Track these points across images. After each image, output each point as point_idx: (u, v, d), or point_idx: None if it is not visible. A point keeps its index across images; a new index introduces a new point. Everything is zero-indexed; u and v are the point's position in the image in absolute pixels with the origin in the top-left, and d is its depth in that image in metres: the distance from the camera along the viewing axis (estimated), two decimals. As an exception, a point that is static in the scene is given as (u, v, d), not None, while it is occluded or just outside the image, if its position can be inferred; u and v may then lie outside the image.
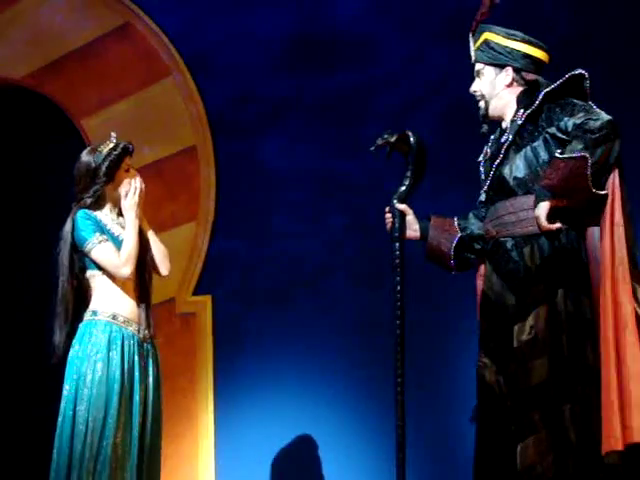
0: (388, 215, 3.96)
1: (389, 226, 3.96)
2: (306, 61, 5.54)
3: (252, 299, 5.54)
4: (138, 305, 4.07)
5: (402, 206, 3.94)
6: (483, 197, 3.92)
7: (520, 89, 3.79)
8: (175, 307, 5.58)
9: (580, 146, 3.48)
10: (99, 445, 3.87)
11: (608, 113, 3.61)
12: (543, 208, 3.56)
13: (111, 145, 4.10)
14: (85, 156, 4.11)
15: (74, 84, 6.06)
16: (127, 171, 4.13)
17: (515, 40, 3.76)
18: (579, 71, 3.65)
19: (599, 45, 4.94)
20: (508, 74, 3.76)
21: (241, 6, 5.72)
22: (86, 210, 4.05)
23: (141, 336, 4.04)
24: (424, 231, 4.00)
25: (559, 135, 3.63)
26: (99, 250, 3.98)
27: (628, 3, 4.96)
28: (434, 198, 5.05)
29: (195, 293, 5.62)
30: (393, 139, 3.96)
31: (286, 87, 5.58)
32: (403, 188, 3.99)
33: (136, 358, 4.01)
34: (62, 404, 3.96)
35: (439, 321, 4.99)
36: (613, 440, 3.38)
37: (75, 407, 3.92)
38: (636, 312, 3.46)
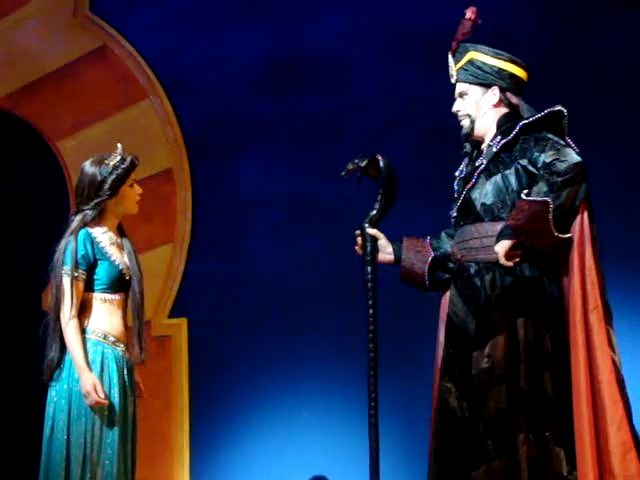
0: (359, 239, 3.93)
1: (358, 249, 3.94)
2: (283, 84, 5.57)
3: (228, 321, 5.54)
4: (126, 327, 4.04)
5: (373, 231, 3.90)
6: (454, 214, 3.93)
7: (504, 110, 3.78)
8: (150, 330, 5.55)
9: (545, 188, 3.48)
10: (97, 464, 3.83)
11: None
12: (503, 246, 3.56)
13: (118, 158, 4.02)
14: (90, 167, 4.00)
15: (50, 106, 6.04)
16: (131, 186, 4.05)
17: (502, 59, 3.74)
18: (558, 108, 3.64)
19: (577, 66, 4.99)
20: (495, 94, 3.74)
21: (218, 29, 5.74)
22: (90, 233, 3.96)
23: (127, 357, 4.01)
24: (397, 253, 3.99)
25: (530, 168, 3.63)
26: (69, 283, 3.89)
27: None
28: (408, 220, 5.01)
29: (171, 316, 5.60)
30: (363, 163, 3.95)
31: (262, 110, 5.59)
32: (374, 212, 3.96)
33: (127, 379, 3.98)
34: (48, 428, 3.89)
35: (412, 343, 4.99)
36: None
37: (69, 431, 3.85)
38: (612, 359, 3.47)
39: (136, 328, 4.05)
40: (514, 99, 3.76)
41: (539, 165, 3.57)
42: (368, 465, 3.76)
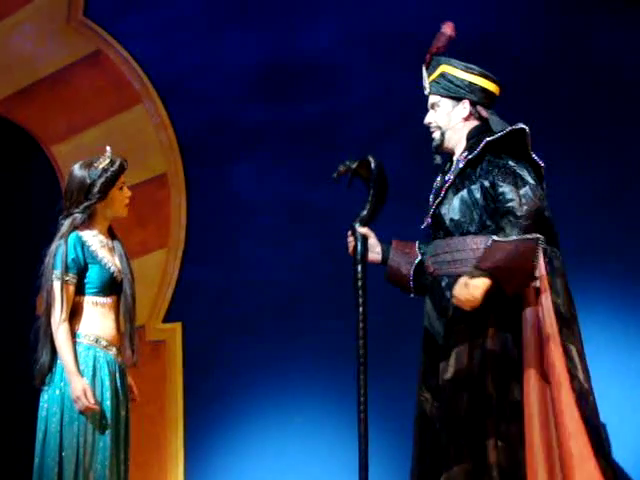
0: (350, 239, 3.98)
1: (351, 249, 3.98)
2: (277, 90, 5.58)
3: (222, 326, 5.53)
4: (118, 330, 4.02)
5: (364, 229, 3.96)
6: (427, 228, 3.98)
7: (475, 123, 3.82)
8: (145, 334, 5.56)
9: (515, 230, 3.51)
10: (90, 468, 3.82)
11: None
12: (480, 287, 3.51)
13: (107, 161, 4.01)
14: (79, 170, 3.99)
15: (44, 111, 6.05)
16: (121, 189, 4.03)
17: (473, 74, 3.79)
18: (520, 126, 3.67)
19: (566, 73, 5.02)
20: (465, 107, 3.79)
21: (212, 35, 5.75)
22: (80, 236, 3.95)
23: (119, 361, 4.01)
24: (386, 254, 4.04)
25: (491, 192, 3.65)
26: (59, 287, 3.88)
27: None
28: (402, 225, 5.00)
29: (165, 320, 5.61)
30: (354, 165, 4.00)
31: (257, 115, 5.60)
32: (365, 212, 4.02)
33: (119, 383, 3.97)
34: (41, 432, 3.88)
35: (403, 343, 4.99)
36: None
37: (62, 437, 3.84)
38: (570, 370, 3.49)
39: (128, 331, 4.04)
40: (484, 112, 3.80)
41: (499, 199, 3.61)
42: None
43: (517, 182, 3.59)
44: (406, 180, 5.06)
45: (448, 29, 3.86)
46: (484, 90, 3.79)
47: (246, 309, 5.49)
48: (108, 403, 3.90)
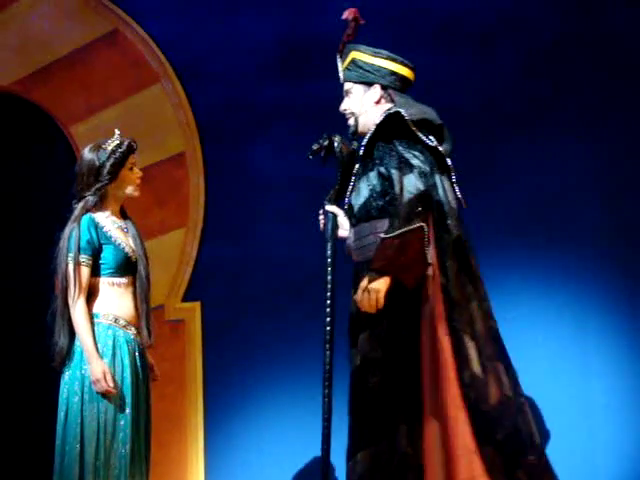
0: (321, 217, 4.06)
1: (322, 227, 4.06)
2: (295, 68, 5.57)
3: (241, 305, 5.54)
4: (137, 310, 4.05)
5: (332, 207, 4.01)
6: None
7: (388, 106, 3.84)
8: (164, 314, 5.57)
9: (398, 220, 3.54)
10: (111, 447, 3.86)
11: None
12: (381, 289, 3.57)
13: (116, 142, 4.06)
14: (88, 153, 4.05)
15: (62, 91, 6.04)
16: (131, 169, 4.08)
17: (381, 58, 3.85)
18: (395, 109, 3.71)
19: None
20: (376, 91, 3.83)
21: (230, 13, 5.74)
22: (93, 218, 3.99)
23: (138, 340, 4.04)
24: None
25: (386, 176, 3.69)
26: (74, 269, 3.92)
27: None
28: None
29: (184, 300, 5.61)
30: (326, 143, 4.07)
31: (275, 94, 5.58)
32: (332, 191, 4.09)
33: (138, 362, 4.01)
34: (62, 412, 3.92)
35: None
36: None
37: (82, 415, 3.88)
38: (457, 359, 3.49)
39: (144, 311, 4.07)
40: (396, 96, 3.84)
41: (389, 185, 3.66)
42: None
43: (402, 167, 3.63)
44: None
45: (349, 14, 3.94)
46: (394, 73, 3.84)
47: (265, 287, 5.50)
48: (128, 382, 3.93)
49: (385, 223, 3.64)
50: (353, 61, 3.85)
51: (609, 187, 4.93)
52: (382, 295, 3.56)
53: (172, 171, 5.77)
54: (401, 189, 3.57)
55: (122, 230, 4.09)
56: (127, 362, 3.95)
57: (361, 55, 3.84)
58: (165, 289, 5.57)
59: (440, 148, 3.72)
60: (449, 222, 3.61)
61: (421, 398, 3.53)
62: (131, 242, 4.09)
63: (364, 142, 3.77)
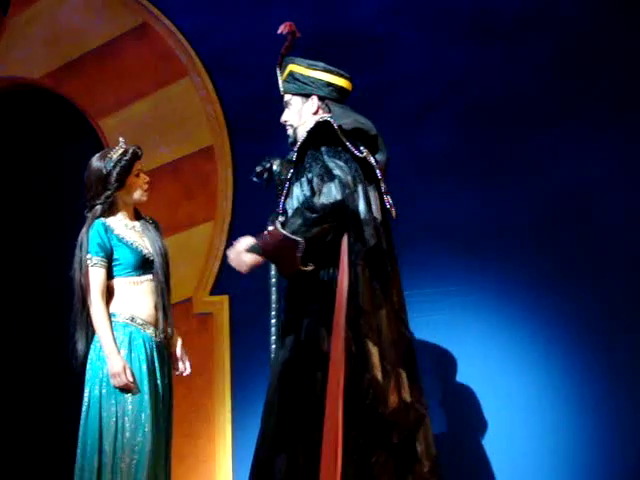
0: None
1: None
2: (324, 61, 5.39)
3: (269, 299, 5.53)
4: (156, 308, 4.11)
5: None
6: None
7: (325, 116, 3.87)
8: (192, 307, 5.59)
9: (299, 221, 3.61)
10: (132, 444, 3.92)
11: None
12: (245, 261, 3.73)
13: (121, 151, 4.15)
14: (95, 162, 4.15)
15: (92, 84, 6.07)
16: (137, 175, 4.17)
17: (317, 70, 3.92)
18: (325, 118, 3.74)
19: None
20: (313, 102, 3.88)
21: (258, 6, 5.72)
22: (103, 222, 4.09)
23: (158, 339, 4.10)
24: None
25: (313, 184, 3.72)
26: (91, 271, 4.04)
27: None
28: (451, 198, 5.10)
29: (212, 293, 5.62)
30: (268, 166, 4.10)
31: None
32: (274, 213, 4.07)
33: (156, 359, 4.08)
34: (85, 406, 4.00)
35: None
36: None
37: (101, 408, 3.96)
38: (350, 364, 3.51)
39: (160, 307, 4.11)
40: (333, 106, 3.89)
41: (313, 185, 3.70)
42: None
43: (324, 175, 3.66)
44: (452, 153, 5.14)
45: (285, 28, 4.04)
46: (330, 84, 3.90)
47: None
48: (145, 379, 3.99)
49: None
50: (291, 73, 3.94)
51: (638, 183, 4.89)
52: (246, 266, 3.72)
53: (200, 164, 5.77)
54: (319, 196, 3.61)
55: (135, 230, 4.17)
56: (143, 359, 4.01)
57: (298, 68, 3.94)
58: (193, 282, 5.59)
59: (370, 159, 3.77)
60: (365, 232, 3.65)
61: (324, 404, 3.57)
62: (147, 241, 4.17)
63: (296, 148, 3.83)
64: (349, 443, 3.48)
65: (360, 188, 3.68)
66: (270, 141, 5.47)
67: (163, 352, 4.14)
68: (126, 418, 3.94)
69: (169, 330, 4.12)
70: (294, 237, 3.58)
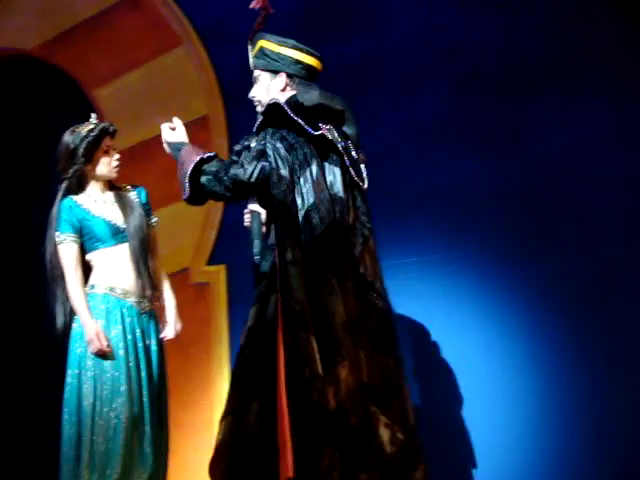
0: (247, 216, 4.02)
1: (247, 224, 4.02)
2: (319, 29, 5.45)
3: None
4: (138, 277, 4.16)
5: (254, 206, 3.96)
6: None
7: (292, 93, 3.87)
8: (189, 277, 5.60)
9: (214, 168, 3.65)
10: (108, 416, 3.99)
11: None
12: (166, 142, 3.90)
13: (90, 126, 4.21)
14: (65, 137, 4.22)
15: (85, 54, 6.05)
16: (107, 152, 4.22)
17: (286, 47, 3.89)
18: (274, 101, 3.72)
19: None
20: (282, 79, 3.86)
21: (252, -26, 5.68)
22: (70, 199, 4.18)
23: (141, 307, 4.17)
24: None
25: (245, 151, 3.73)
26: (61, 247, 4.14)
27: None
28: (447, 165, 5.06)
29: (209, 263, 5.63)
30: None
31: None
32: None
33: (137, 329, 4.14)
34: (67, 378, 4.08)
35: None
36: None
37: (80, 378, 4.04)
38: (289, 358, 3.49)
39: (139, 273, 4.16)
40: (300, 85, 3.87)
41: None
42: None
43: (256, 154, 3.64)
44: (447, 119, 5.08)
45: (257, 4, 3.99)
46: (299, 62, 3.88)
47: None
48: (121, 349, 4.06)
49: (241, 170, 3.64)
50: (261, 49, 3.91)
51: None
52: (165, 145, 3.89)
53: (195, 134, 5.65)
54: (238, 167, 3.62)
55: (105, 203, 4.22)
56: (120, 329, 4.08)
57: (268, 44, 3.90)
58: (190, 252, 5.59)
59: (332, 134, 3.73)
60: (313, 218, 3.58)
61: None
62: (118, 211, 4.22)
63: (254, 129, 3.82)
64: (298, 436, 3.44)
65: (309, 172, 3.63)
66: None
67: (148, 320, 4.20)
68: (104, 385, 4.00)
69: (147, 293, 4.15)
70: (188, 181, 3.64)
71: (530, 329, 4.80)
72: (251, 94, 3.93)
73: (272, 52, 3.88)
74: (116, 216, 4.21)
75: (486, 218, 4.96)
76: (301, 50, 3.89)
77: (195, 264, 5.61)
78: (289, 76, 3.86)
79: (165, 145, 3.88)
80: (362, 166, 3.87)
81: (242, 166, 3.60)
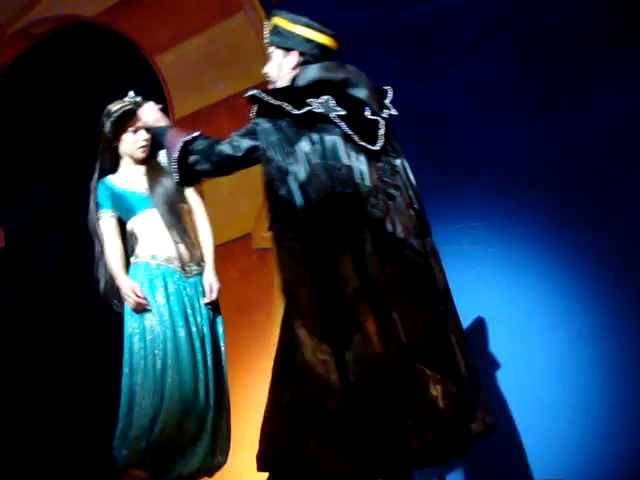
0: None
1: None
2: None
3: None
4: (175, 243, 4.20)
5: None
6: None
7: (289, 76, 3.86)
8: (252, 242, 5.61)
9: (201, 147, 3.67)
10: (156, 348, 4.07)
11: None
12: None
13: (118, 105, 4.27)
14: (103, 115, 4.30)
15: (147, 20, 6.05)
16: (134, 132, 4.25)
17: (299, 25, 3.85)
18: (251, 93, 3.73)
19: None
20: (294, 57, 3.83)
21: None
22: (103, 180, 4.27)
23: (186, 272, 4.21)
24: None
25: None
26: (100, 223, 4.26)
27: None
28: (506, 132, 5.00)
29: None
30: None
31: (361, 20, 5.42)
32: None
33: (184, 295, 4.17)
34: (125, 341, 4.17)
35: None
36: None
37: (132, 340, 4.13)
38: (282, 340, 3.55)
39: (175, 238, 4.20)
40: (311, 63, 3.83)
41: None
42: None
43: (246, 132, 3.69)
44: (509, 83, 5.02)
45: None
46: (311, 41, 3.83)
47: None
48: (166, 314, 4.11)
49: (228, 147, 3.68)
50: (275, 26, 3.89)
51: None
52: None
53: (257, 100, 5.73)
54: (225, 143, 3.67)
55: (135, 175, 4.27)
56: (165, 295, 4.13)
57: (281, 21, 3.88)
58: (252, 218, 5.60)
59: (319, 109, 3.65)
60: (307, 190, 3.56)
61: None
62: (147, 181, 4.26)
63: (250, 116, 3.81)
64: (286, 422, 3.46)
65: (298, 149, 3.61)
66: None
67: (194, 284, 4.22)
68: (156, 354, 4.06)
69: (186, 259, 4.18)
70: (177, 165, 3.66)
71: (591, 294, 4.75)
72: (264, 70, 3.94)
73: (285, 30, 3.85)
74: (144, 185, 4.27)
75: (547, 185, 4.89)
76: (314, 28, 3.86)
77: (257, 229, 5.62)
78: (302, 54, 3.83)
79: (144, 129, 3.97)
80: (381, 124, 3.77)
81: (230, 142, 3.65)
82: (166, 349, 4.05)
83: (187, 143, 3.67)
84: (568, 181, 4.85)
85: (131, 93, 4.29)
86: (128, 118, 4.23)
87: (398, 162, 3.74)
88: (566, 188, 4.84)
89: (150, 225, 4.21)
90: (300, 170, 3.56)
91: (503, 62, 5.04)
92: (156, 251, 4.18)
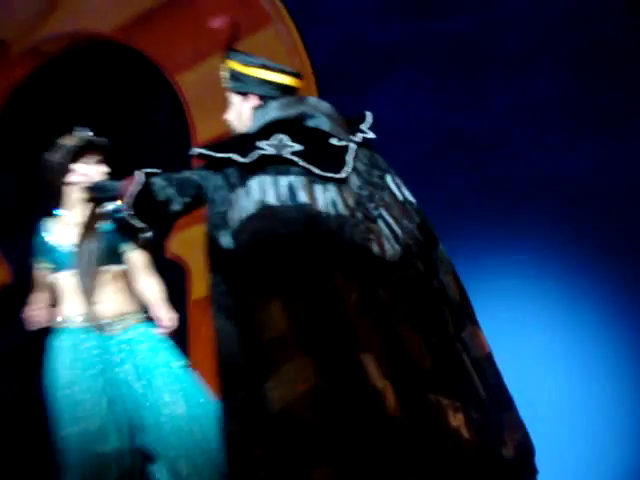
0: None
1: None
2: (420, 3, 5.27)
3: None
4: (87, 300, 4.04)
5: None
6: None
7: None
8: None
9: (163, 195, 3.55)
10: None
11: None
12: None
13: (68, 140, 4.15)
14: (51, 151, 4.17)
15: (167, 37, 5.90)
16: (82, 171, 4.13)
17: (253, 67, 3.74)
18: (193, 151, 3.62)
19: None
20: (250, 101, 3.71)
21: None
22: (41, 225, 4.17)
23: (106, 330, 4.05)
24: None
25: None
26: (35, 273, 4.20)
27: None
28: (568, 146, 4.88)
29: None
30: None
31: (398, 33, 5.30)
32: None
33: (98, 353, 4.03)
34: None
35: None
36: None
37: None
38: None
39: (85, 294, 4.06)
40: (269, 105, 3.68)
41: None
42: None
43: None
44: (566, 97, 4.90)
45: (215, 24, 4.00)
46: (268, 82, 3.71)
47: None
48: (85, 380, 4.00)
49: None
50: (230, 70, 3.80)
51: None
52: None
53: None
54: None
55: (71, 223, 4.13)
56: (88, 362, 4.01)
57: (236, 65, 3.79)
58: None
59: (271, 150, 3.49)
60: (243, 244, 3.42)
61: None
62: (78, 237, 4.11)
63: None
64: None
65: (241, 195, 3.45)
66: (359, 94, 5.33)
67: (116, 342, 4.06)
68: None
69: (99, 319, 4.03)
70: (128, 203, 3.56)
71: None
72: (225, 116, 3.81)
73: (240, 73, 3.75)
74: (72, 238, 4.11)
75: (609, 211, 4.76)
76: (270, 69, 3.73)
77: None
78: (261, 97, 3.70)
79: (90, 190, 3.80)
80: (350, 148, 3.55)
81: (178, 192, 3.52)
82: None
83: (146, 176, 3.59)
84: (631, 210, 4.73)
85: (80, 129, 4.17)
86: (79, 154, 4.11)
87: (383, 180, 3.60)
88: (629, 219, 4.74)
89: (69, 285, 4.06)
90: (236, 217, 3.43)
91: (560, 77, 4.94)
92: (73, 312, 4.04)
